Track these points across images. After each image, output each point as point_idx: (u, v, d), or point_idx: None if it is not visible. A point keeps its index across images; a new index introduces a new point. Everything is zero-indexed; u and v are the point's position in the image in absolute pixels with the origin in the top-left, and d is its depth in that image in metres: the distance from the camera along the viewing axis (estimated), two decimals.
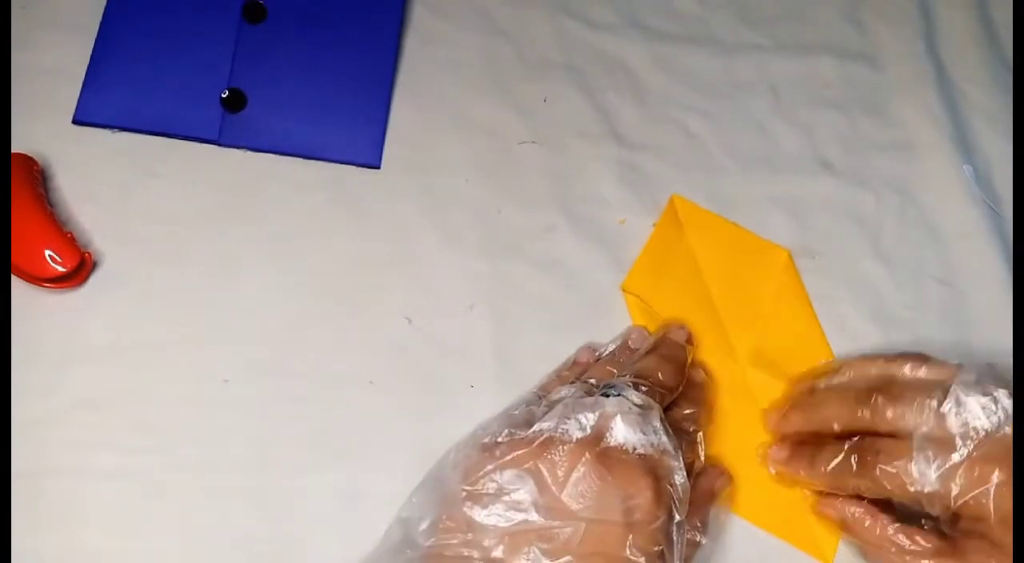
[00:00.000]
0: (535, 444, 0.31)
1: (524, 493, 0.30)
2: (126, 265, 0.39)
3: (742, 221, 0.44)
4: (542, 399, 0.35)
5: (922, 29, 0.50)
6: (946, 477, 0.32)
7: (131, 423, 0.36)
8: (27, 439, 0.35)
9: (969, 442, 0.32)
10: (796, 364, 0.41)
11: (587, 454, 0.30)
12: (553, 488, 0.30)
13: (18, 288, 0.38)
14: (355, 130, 0.43)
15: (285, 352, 0.39)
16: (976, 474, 0.32)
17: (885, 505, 0.35)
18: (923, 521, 0.35)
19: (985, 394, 0.33)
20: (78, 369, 0.37)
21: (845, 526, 0.36)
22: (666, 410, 0.35)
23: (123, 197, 0.40)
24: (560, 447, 0.30)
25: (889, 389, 0.35)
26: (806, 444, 0.37)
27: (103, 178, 0.41)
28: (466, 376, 0.39)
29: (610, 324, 0.41)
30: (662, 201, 0.44)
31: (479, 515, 0.30)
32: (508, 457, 0.31)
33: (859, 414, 0.35)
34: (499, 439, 0.32)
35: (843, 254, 0.44)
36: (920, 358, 0.36)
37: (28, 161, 0.39)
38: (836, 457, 0.35)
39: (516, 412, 0.34)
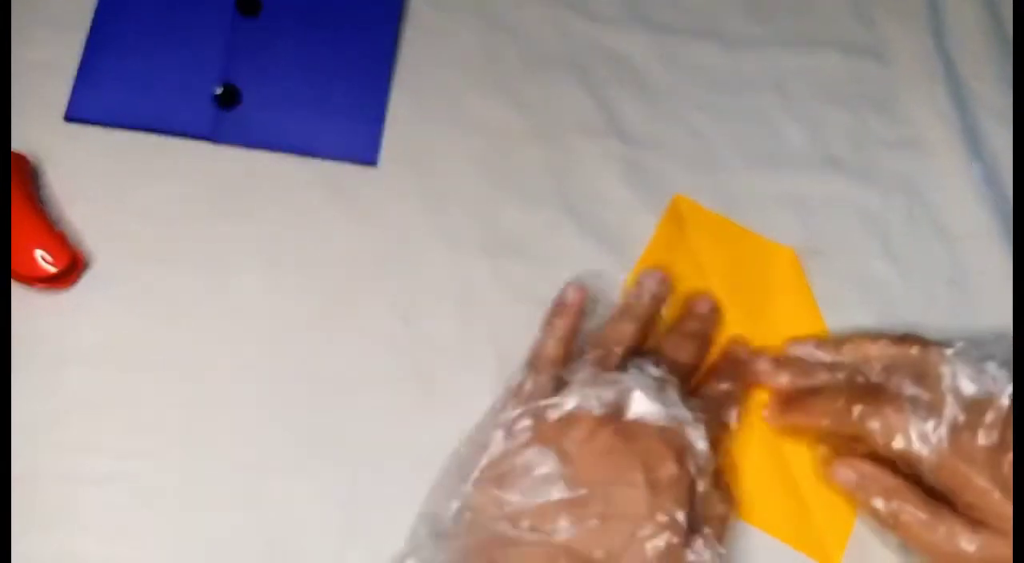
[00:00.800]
0: (555, 420, 0.32)
1: (548, 468, 0.31)
2: (118, 264, 0.39)
3: (747, 219, 0.43)
4: (535, 367, 0.36)
5: (931, 25, 0.49)
6: (938, 441, 0.33)
7: (124, 425, 0.36)
8: (19, 442, 0.35)
9: (958, 408, 0.33)
10: None
11: (608, 428, 0.32)
12: (576, 461, 0.31)
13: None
14: (352, 126, 0.42)
15: (280, 353, 0.38)
16: (965, 439, 0.33)
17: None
18: None
19: (976, 366, 0.35)
20: (69, 370, 0.37)
21: (862, 487, 0.36)
22: (698, 386, 0.36)
23: (115, 195, 0.40)
24: (581, 423, 0.32)
25: (889, 367, 0.36)
26: (797, 393, 0.38)
27: (95, 176, 0.40)
28: (466, 376, 0.39)
29: None
30: (666, 198, 0.43)
31: (507, 494, 0.31)
32: (530, 435, 0.32)
33: (859, 396, 0.36)
34: (518, 419, 0.33)
35: (850, 253, 0.43)
36: (917, 340, 0.37)
37: (19, 159, 0.39)
38: (836, 401, 0.36)
39: (527, 386, 0.34)
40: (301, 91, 0.42)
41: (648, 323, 0.39)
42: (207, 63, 0.42)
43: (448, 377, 0.39)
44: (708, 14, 0.48)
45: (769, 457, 0.39)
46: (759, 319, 0.41)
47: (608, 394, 0.33)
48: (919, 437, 0.34)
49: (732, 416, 0.37)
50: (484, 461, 0.32)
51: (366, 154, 0.42)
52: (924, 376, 0.35)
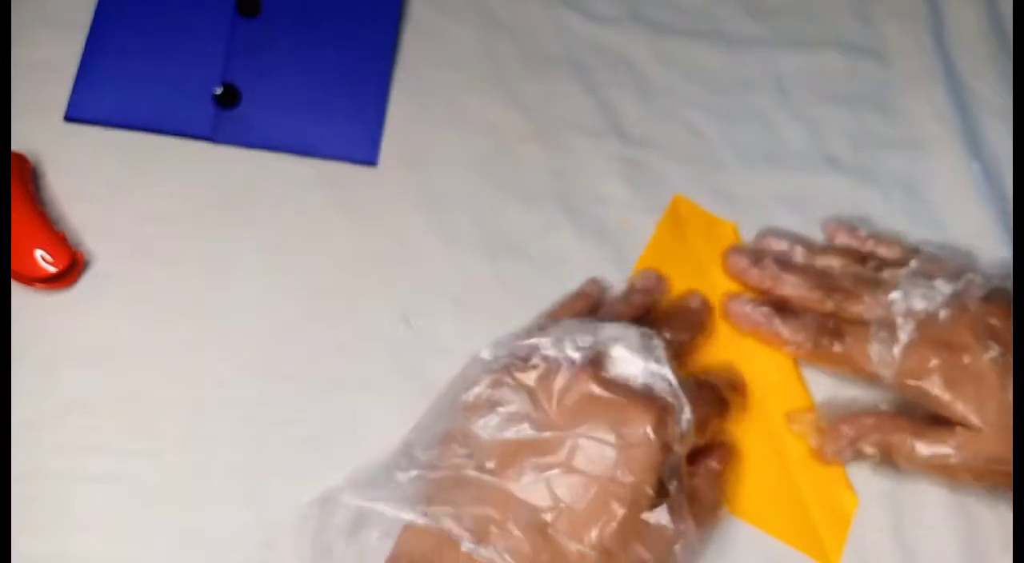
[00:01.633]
0: (531, 362, 0.32)
1: (518, 406, 0.31)
2: (118, 265, 0.39)
3: (747, 218, 0.43)
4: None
5: (930, 24, 0.49)
6: (896, 359, 0.36)
7: (124, 426, 0.36)
8: (18, 442, 0.35)
9: (910, 325, 0.36)
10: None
11: (584, 375, 0.31)
12: (547, 405, 0.31)
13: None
14: (351, 126, 0.42)
15: (280, 353, 0.38)
16: (918, 356, 0.36)
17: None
18: None
19: (926, 283, 0.37)
20: (69, 371, 0.37)
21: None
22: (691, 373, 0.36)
23: (115, 195, 0.40)
24: (557, 367, 0.31)
25: (851, 284, 0.39)
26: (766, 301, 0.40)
27: (95, 176, 0.40)
28: None
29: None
30: (665, 199, 0.43)
31: (475, 426, 0.31)
32: (505, 374, 0.32)
33: (827, 297, 0.38)
34: (500, 359, 0.33)
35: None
36: (878, 259, 0.40)
37: (19, 159, 0.39)
38: (804, 319, 0.38)
39: (520, 342, 0.34)
40: (301, 91, 0.42)
41: (640, 312, 0.39)
42: (207, 63, 0.42)
43: (448, 376, 0.38)
44: (707, 14, 0.48)
45: (767, 455, 0.39)
46: None
47: (587, 341, 0.32)
48: (879, 361, 0.36)
49: (724, 402, 0.36)
50: (462, 397, 0.32)
51: (365, 154, 0.42)
52: (882, 295, 0.37)
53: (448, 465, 0.31)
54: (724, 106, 0.46)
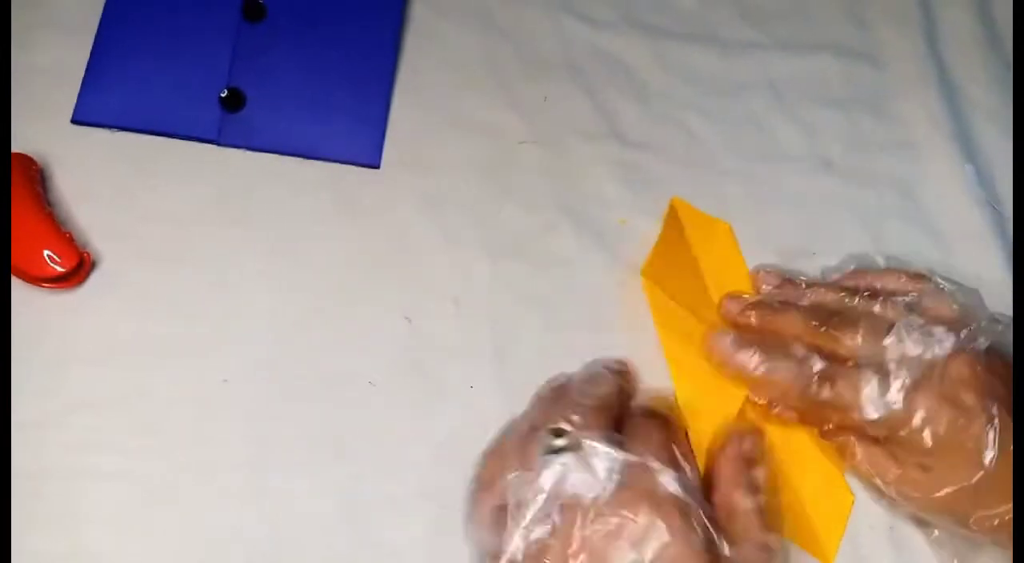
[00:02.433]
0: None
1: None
2: (125, 265, 0.39)
3: (743, 220, 0.44)
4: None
5: (924, 28, 0.50)
6: (888, 404, 0.34)
7: (130, 424, 0.36)
8: (26, 440, 0.35)
9: (903, 370, 0.34)
10: None
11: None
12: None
13: (16, 288, 0.38)
14: (355, 130, 0.43)
15: (284, 352, 0.39)
16: (912, 406, 0.34)
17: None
18: None
19: (923, 329, 0.35)
20: (77, 370, 0.37)
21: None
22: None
23: (122, 197, 0.40)
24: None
25: (845, 320, 0.36)
26: (753, 340, 0.37)
27: (102, 178, 0.40)
28: (466, 376, 0.39)
29: (611, 324, 0.41)
30: (663, 200, 0.43)
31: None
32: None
33: (818, 334, 0.36)
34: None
35: (844, 253, 0.43)
36: (876, 294, 0.38)
37: (27, 161, 0.39)
38: (790, 363, 0.36)
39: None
40: (304, 95, 0.43)
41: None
42: (212, 67, 0.42)
43: (448, 376, 0.39)
44: (703, 19, 0.49)
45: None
46: None
47: (539, 499, 0.29)
48: (869, 404, 0.35)
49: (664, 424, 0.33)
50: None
51: (368, 156, 0.43)
52: (875, 335, 0.36)
53: None
54: (720, 109, 0.46)
